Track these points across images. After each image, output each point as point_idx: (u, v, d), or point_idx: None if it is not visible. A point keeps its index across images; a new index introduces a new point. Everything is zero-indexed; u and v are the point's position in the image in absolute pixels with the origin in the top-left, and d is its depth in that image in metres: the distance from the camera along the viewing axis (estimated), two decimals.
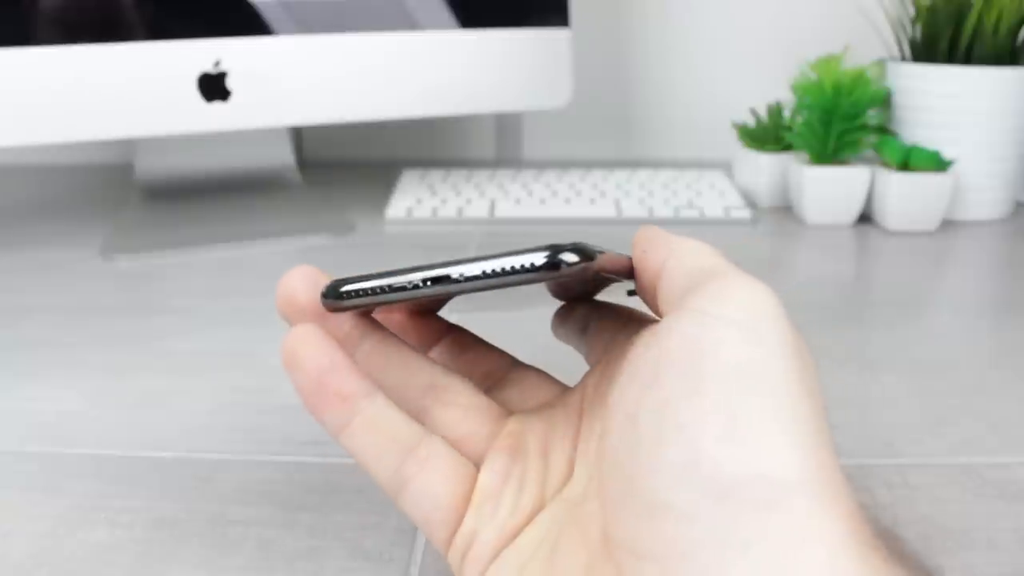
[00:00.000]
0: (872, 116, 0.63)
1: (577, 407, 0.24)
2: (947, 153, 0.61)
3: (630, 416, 0.19)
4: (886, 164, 0.61)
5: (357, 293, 0.21)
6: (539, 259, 0.19)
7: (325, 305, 0.22)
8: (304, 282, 0.24)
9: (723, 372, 0.18)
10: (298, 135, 0.83)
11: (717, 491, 0.17)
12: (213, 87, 0.55)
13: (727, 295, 0.20)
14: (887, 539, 0.17)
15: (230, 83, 0.55)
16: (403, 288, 0.21)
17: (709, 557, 0.16)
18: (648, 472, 0.18)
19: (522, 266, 0.19)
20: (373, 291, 0.21)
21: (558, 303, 0.29)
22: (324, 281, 0.24)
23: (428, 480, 0.22)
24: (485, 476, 0.23)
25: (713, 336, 0.19)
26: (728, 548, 0.16)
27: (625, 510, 0.19)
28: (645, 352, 0.20)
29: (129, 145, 0.72)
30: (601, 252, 0.21)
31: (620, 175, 0.72)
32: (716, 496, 0.17)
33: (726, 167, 0.76)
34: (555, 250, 0.20)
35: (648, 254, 0.23)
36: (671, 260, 0.22)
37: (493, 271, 0.20)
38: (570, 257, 0.19)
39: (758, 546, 0.16)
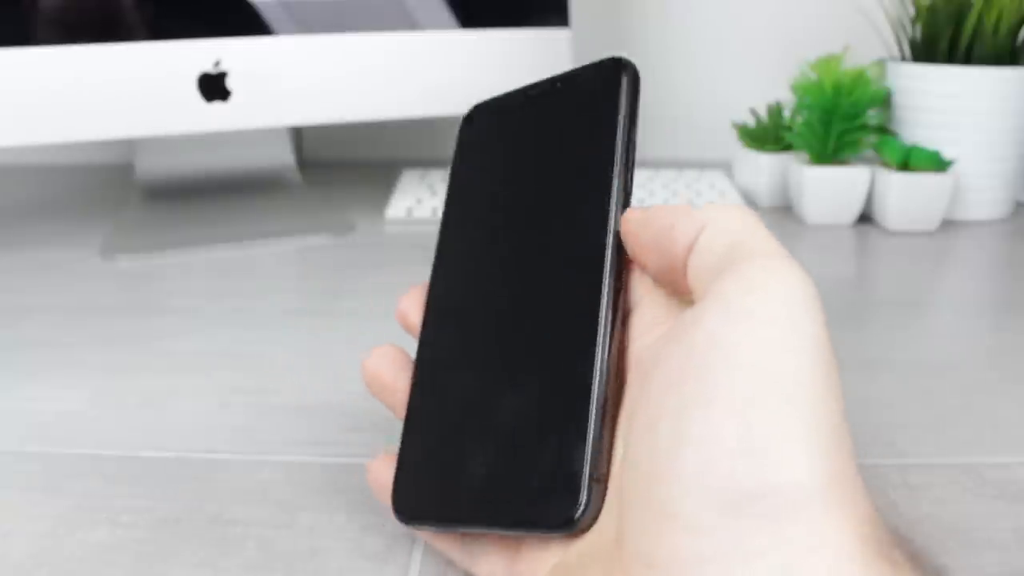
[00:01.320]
0: (872, 116, 0.63)
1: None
2: (947, 153, 0.61)
3: (651, 421, 0.19)
4: (886, 164, 0.61)
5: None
6: (560, 522, 0.21)
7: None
8: (385, 360, 0.27)
9: (743, 376, 0.18)
10: (298, 135, 0.83)
11: (727, 503, 0.17)
12: (213, 87, 0.55)
13: (757, 283, 0.19)
14: (901, 544, 0.17)
15: (230, 83, 0.55)
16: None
17: (718, 567, 0.16)
18: (662, 480, 0.18)
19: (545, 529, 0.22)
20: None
21: None
22: (403, 359, 0.27)
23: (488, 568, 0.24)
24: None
25: (736, 333, 0.18)
26: (735, 561, 0.16)
27: (639, 517, 0.18)
28: (673, 348, 0.20)
29: (129, 145, 0.72)
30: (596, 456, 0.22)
31: None
32: (726, 508, 0.17)
33: (726, 167, 0.76)
34: (569, 517, 0.21)
35: (677, 229, 0.21)
36: (706, 233, 0.21)
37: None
38: (580, 512, 0.21)
39: (767, 554, 0.16)
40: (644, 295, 0.24)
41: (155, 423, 0.35)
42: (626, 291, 0.24)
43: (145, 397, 0.37)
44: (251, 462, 0.32)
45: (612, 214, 0.24)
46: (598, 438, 0.21)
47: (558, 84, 0.27)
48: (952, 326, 0.45)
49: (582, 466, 0.21)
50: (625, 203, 0.24)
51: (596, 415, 0.22)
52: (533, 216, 0.26)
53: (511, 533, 0.23)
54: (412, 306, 0.28)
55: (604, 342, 0.22)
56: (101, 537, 0.27)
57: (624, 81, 0.25)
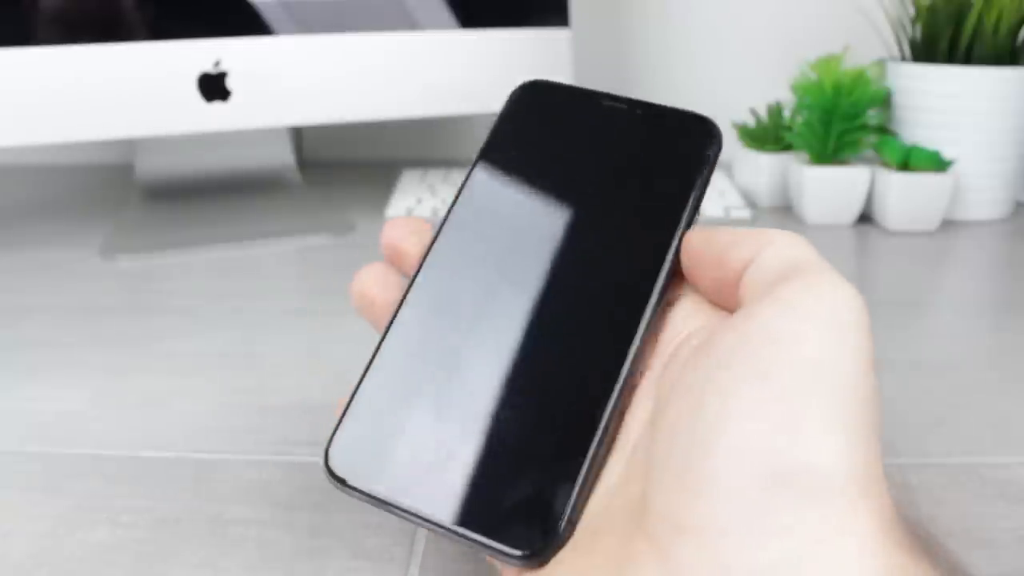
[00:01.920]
0: (872, 116, 0.63)
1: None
2: (947, 153, 0.61)
3: (697, 391, 0.20)
4: (886, 164, 0.61)
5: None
6: (520, 552, 0.21)
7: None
8: (374, 276, 0.27)
9: (794, 366, 0.19)
10: (298, 135, 0.83)
11: (766, 476, 0.17)
12: (213, 87, 0.55)
13: (816, 291, 0.20)
14: (921, 536, 0.18)
15: (230, 83, 0.55)
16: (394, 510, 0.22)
17: (746, 537, 0.17)
18: (704, 449, 0.19)
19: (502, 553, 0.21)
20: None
21: None
22: (394, 279, 0.26)
23: None
24: None
25: (793, 329, 0.19)
26: (765, 530, 0.17)
27: (673, 483, 0.19)
28: (725, 335, 0.20)
29: (129, 145, 0.72)
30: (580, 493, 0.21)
31: None
32: (764, 481, 0.17)
33: (726, 167, 0.76)
34: (532, 553, 0.21)
35: (740, 246, 0.22)
36: (769, 248, 0.22)
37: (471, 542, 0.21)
38: (547, 551, 0.21)
39: (794, 532, 0.17)
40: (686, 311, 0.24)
41: (155, 423, 0.35)
42: (663, 312, 0.24)
43: (145, 397, 0.37)
44: (251, 462, 0.32)
45: (674, 242, 0.24)
46: (586, 482, 0.21)
47: (639, 111, 0.27)
48: (952, 326, 0.45)
49: (564, 507, 0.21)
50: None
51: (592, 457, 0.21)
52: (582, 219, 0.25)
53: (460, 539, 0.21)
54: (406, 235, 0.27)
55: (625, 375, 0.22)
56: (101, 537, 0.27)
57: (715, 146, 0.26)
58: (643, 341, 0.23)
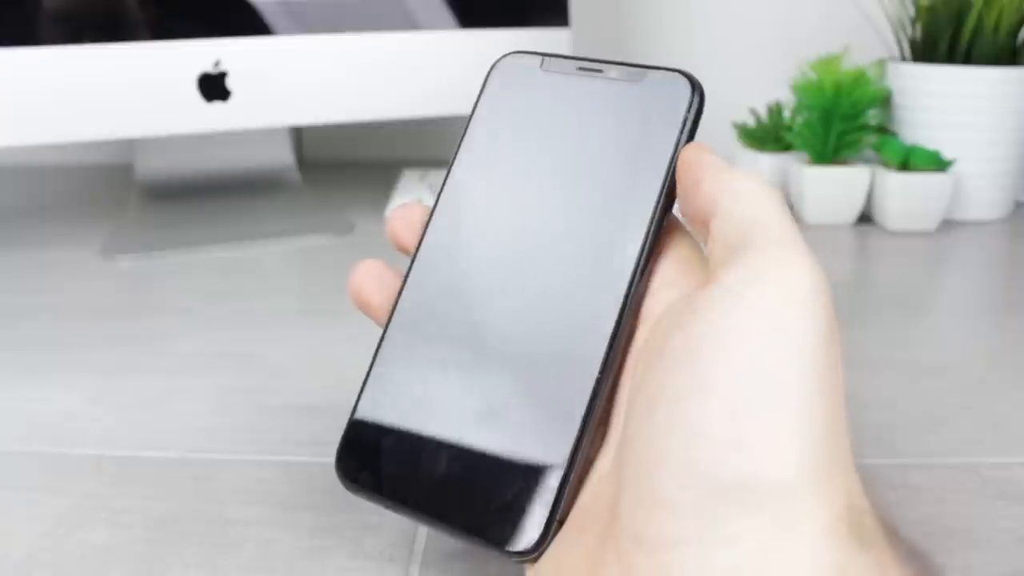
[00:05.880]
0: (872, 116, 0.63)
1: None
2: (947, 153, 0.61)
3: (650, 405, 0.20)
4: (886, 164, 0.61)
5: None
6: (507, 548, 0.21)
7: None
8: (370, 276, 0.27)
9: (739, 369, 0.18)
10: (298, 135, 0.83)
11: (711, 491, 0.17)
12: (213, 87, 0.55)
13: (762, 274, 0.19)
14: (891, 538, 0.17)
15: (230, 83, 0.55)
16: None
17: (693, 552, 0.17)
18: (654, 463, 0.18)
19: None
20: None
21: None
22: (390, 277, 0.26)
23: None
24: None
25: (737, 327, 0.19)
26: (714, 542, 0.17)
27: (632, 495, 0.19)
28: (674, 334, 0.20)
29: (129, 145, 0.72)
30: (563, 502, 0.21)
31: None
32: (709, 495, 0.17)
33: None
34: (517, 550, 0.21)
35: (702, 185, 0.22)
36: (726, 199, 0.21)
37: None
38: (531, 549, 0.21)
39: (741, 542, 0.17)
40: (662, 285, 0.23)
41: (155, 423, 0.35)
42: (646, 284, 0.23)
43: (145, 397, 0.37)
44: (251, 462, 0.32)
45: (651, 221, 0.23)
46: (569, 479, 0.21)
47: (614, 75, 0.26)
48: (952, 326, 0.45)
49: (548, 507, 0.21)
50: (668, 205, 0.24)
51: (579, 454, 0.22)
52: (562, 198, 0.25)
53: (460, 538, 0.22)
54: (406, 229, 0.27)
55: (608, 364, 0.22)
56: (101, 537, 0.27)
57: (694, 104, 0.24)
58: (625, 325, 0.23)
